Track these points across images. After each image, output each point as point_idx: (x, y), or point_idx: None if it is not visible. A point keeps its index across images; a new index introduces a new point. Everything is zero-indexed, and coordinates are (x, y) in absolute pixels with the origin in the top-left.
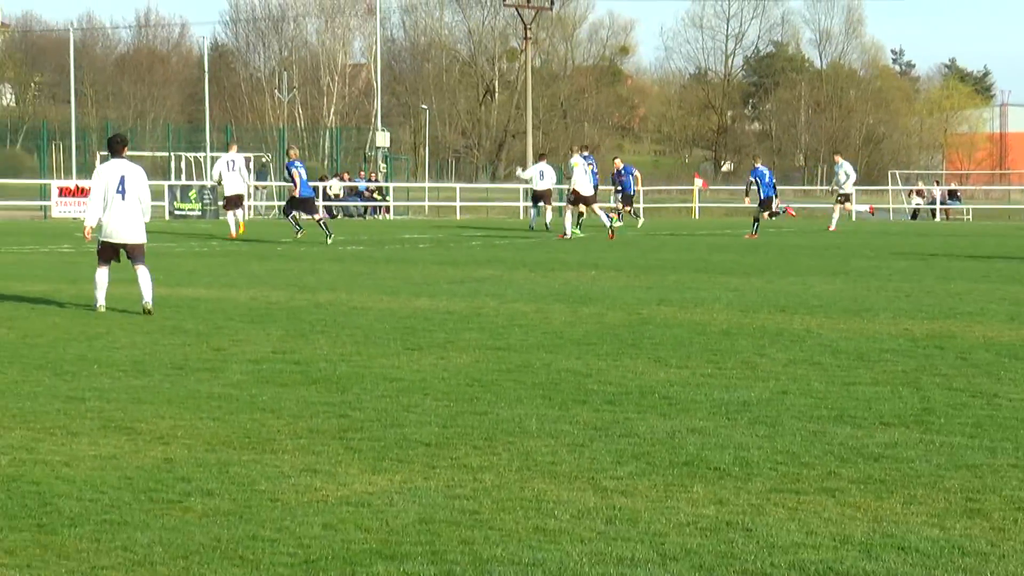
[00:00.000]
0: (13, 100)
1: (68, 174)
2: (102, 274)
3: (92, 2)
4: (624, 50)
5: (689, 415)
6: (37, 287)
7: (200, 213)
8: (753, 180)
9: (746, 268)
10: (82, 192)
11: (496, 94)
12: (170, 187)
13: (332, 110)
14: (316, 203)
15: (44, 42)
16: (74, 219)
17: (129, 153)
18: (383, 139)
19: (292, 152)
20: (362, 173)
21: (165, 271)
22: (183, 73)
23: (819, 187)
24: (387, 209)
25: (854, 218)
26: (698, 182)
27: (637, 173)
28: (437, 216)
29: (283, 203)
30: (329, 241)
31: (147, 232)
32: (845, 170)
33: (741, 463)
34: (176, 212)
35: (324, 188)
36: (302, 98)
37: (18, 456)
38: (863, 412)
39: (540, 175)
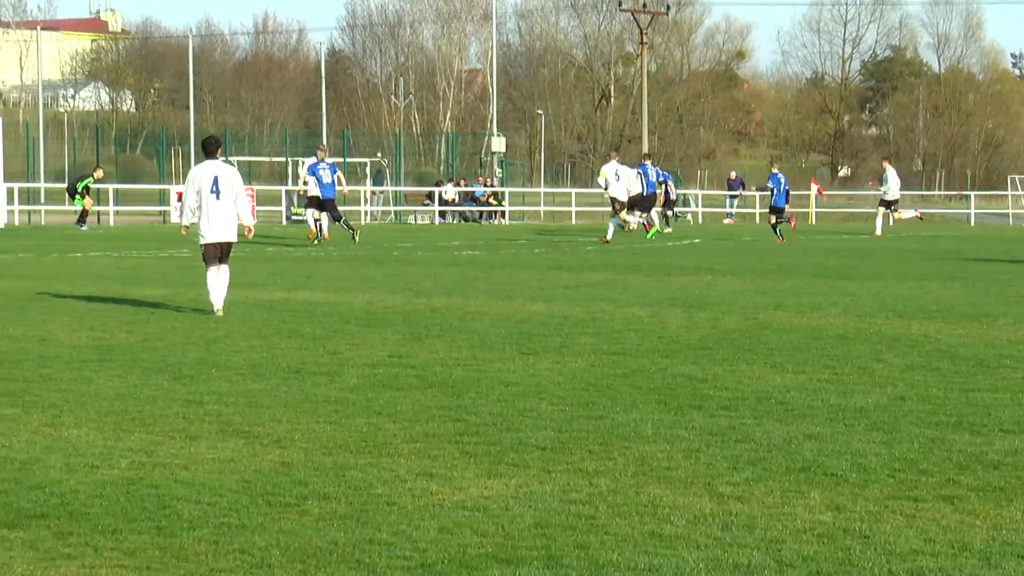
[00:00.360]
0: (133, 106)
1: (179, 178)
2: (211, 277)
3: (211, 9)
4: (740, 54)
5: (806, 421)
6: (156, 291)
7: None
8: (770, 186)
9: (862, 272)
10: None
11: (612, 99)
12: (287, 192)
13: (448, 115)
14: (336, 205)
15: (164, 49)
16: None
17: (247, 158)
18: (499, 144)
19: (319, 153)
20: (479, 178)
21: (282, 275)
22: (300, 79)
23: (937, 192)
24: (502, 214)
25: (890, 222)
26: (814, 187)
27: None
28: (552, 221)
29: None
30: (356, 239)
31: (264, 236)
32: (890, 176)
33: (858, 469)
34: (293, 217)
35: (440, 193)
36: (418, 103)
37: (137, 459)
38: (982, 419)
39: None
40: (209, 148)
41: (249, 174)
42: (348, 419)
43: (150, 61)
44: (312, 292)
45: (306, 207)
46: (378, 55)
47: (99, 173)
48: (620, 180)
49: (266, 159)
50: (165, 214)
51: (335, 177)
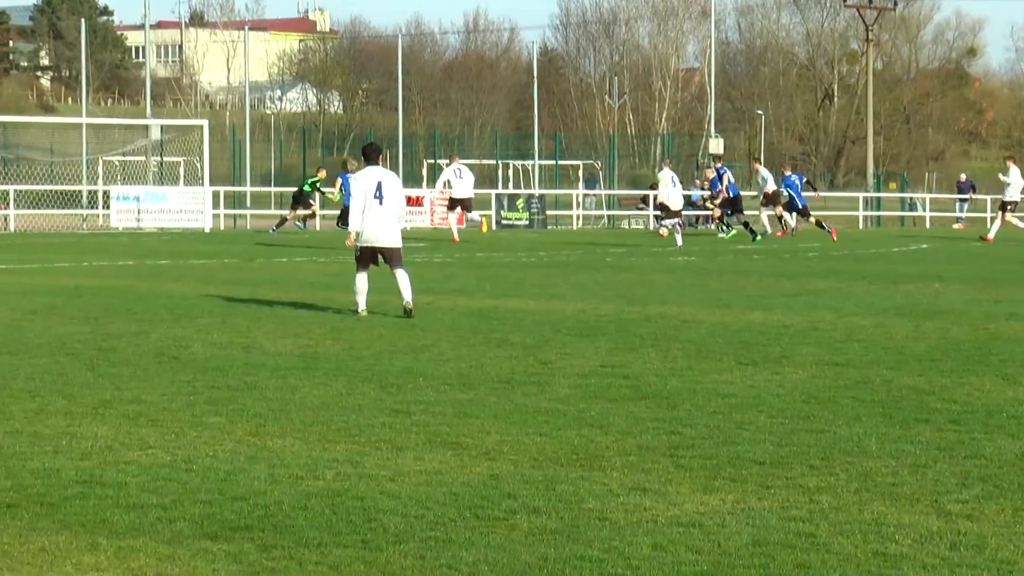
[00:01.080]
0: (341, 107)
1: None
2: (362, 279)
3: (421, 7)
4: (972, 51)
5: None
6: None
7: (528, 222)
8: (785, 191)
9: None
10: (410, 201)
11: (835, 99)
12: (497, 196)
13: (664, 116)
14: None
15: (372, 49)
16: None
17: (459, 161)
18: (716, 146)
19: (349, 164)
20: (696, 181)
21: (492, 281)
22: (512, 79)
23: None
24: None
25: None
26: None
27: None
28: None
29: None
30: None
31: (469, 242)
32: (1013, 176)
33: None
34: (503, 221)
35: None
36: (633, 104)
37: (343, 470)
38: None
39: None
40: (370, 154)
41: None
42: (559, 431)
43: (358, 61)
44: (522, 299)
45: (448, 207)
46: (592, 54)
47: (322, 174)
48: (676, 187)
49: (476, 162)
50: None
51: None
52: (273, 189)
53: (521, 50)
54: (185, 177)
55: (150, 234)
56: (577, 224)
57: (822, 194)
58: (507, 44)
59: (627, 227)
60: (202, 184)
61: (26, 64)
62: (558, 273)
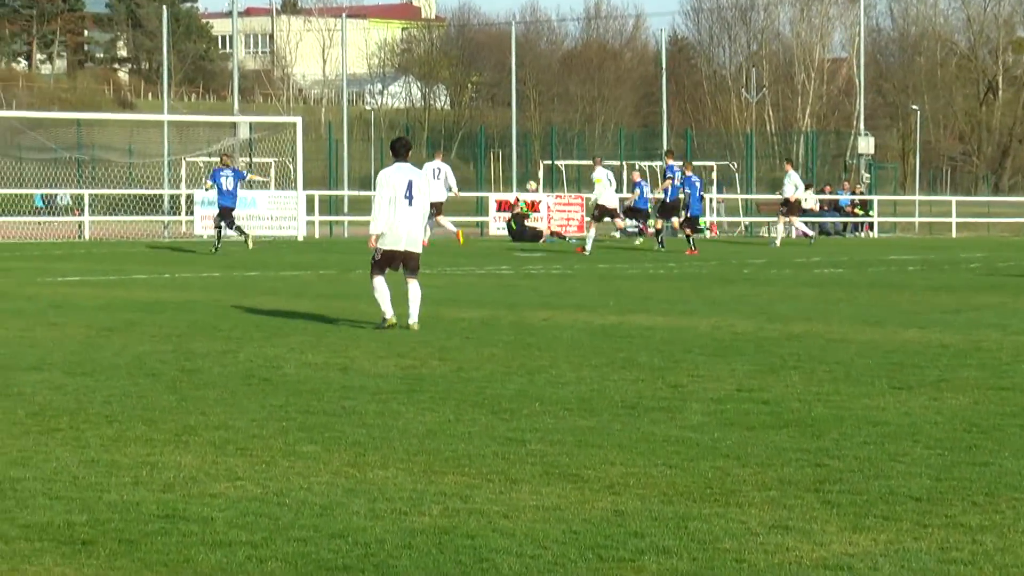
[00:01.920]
0: (448, 103)
1: (507, 186)
2: (382, 284)
3: None
4: None
5: None
6: (472, 313)
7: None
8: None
9: None
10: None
11: (999, 92)
12: (621, 200)
13: (807, 112)
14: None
15: (483, 38)
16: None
17: (576, 162)
18: (866, 145)
19: (225, 160)
20: (846, 184)
21: (616, 295)
22: (637, 71)
23: None
24: (870, 226)
25: None
26: None
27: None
28: (928, 234)
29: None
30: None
31: (592, 251)
32: None
33: None
34: (628, 229)
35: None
36: (772, 98)
37: (451, 505)
38: None
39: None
40: (401, 150)
41: (578, 180)
42: (690, 462)
43: (467, 52)
44: (649, 315)
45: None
46: (727, 43)
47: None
48: (612, 185)
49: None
50: (483, 225)
51: (239, 184)
52: (373, 193)
53: (648, 39)
54: (276, 180)
55: (237, 243)
56: (711, 232)
57: (985, 199)
58: (632, 32)
59: (766, 235)
60: (295, 188)
61: (102, 56)
62: (689, 286)
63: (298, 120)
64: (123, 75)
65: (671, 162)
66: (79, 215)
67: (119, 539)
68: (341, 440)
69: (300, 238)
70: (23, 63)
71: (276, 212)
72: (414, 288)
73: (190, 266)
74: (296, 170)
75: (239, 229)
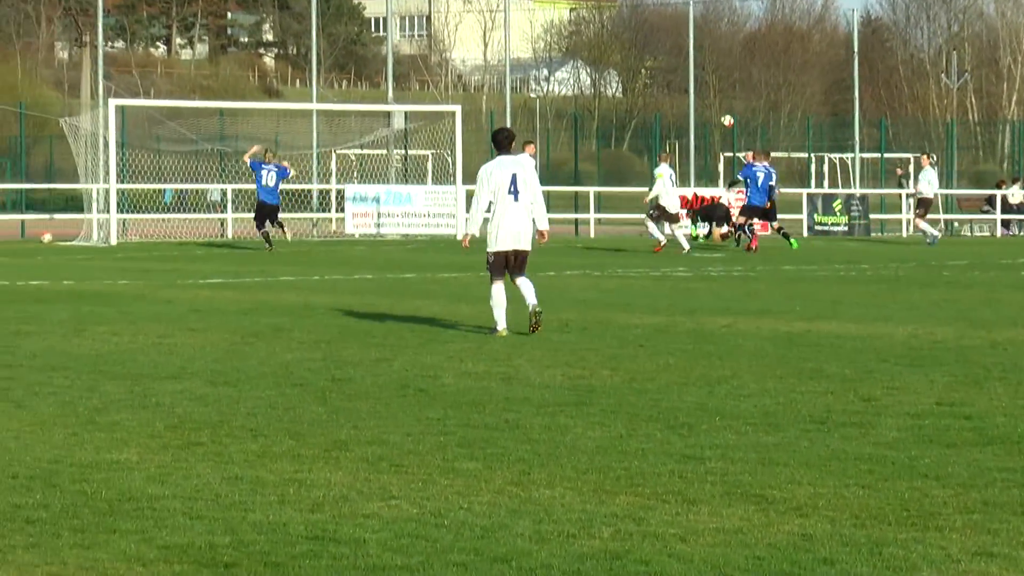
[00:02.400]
0: (619, 90)
1: (685, 180)
2: (499, 290)
3: None
4: None
5: None
6: (646, 319)
7: (846, 228)
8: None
9: None
10: (701, 204)
11: None
12: (809, 196)
13: (1013, 99)
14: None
15: (658, 19)
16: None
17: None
18: None
19: (255, 149)
20: None
21: (803, 300)
22: (827, 55)
23: None
24: None
25: None
26: None
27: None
28: None
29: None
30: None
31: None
32: None
33: None
34: (816, 227)
35: (1003, 197)
36: (975, 84)
37: (623, 527)
38: None
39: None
40: (502, 142)
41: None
42: (885, 482)
43: (641, 34)
44: (840, 322)
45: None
46: (925, 24)
47: None
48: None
49: (783, 154)
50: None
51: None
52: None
53: (838, 19)
54: (434, 174)
55: (392, 242)
56: (907, 231)
57: None
58: (821, 12)
59: (969, 234)
60: (453, 182)
61: (246, 40)
62: (884, 290)
63: (457, 109)
64: (269, 61)
65: (756, 162)
66: (221, 212)
67: (264, 562)
68: (504, 456)
69: (459, 237)
70: (161, 48)
71: (433, 209)
72: (525, 283)
73: (341, 267)
74: (455, 163)
75: (280, 224)
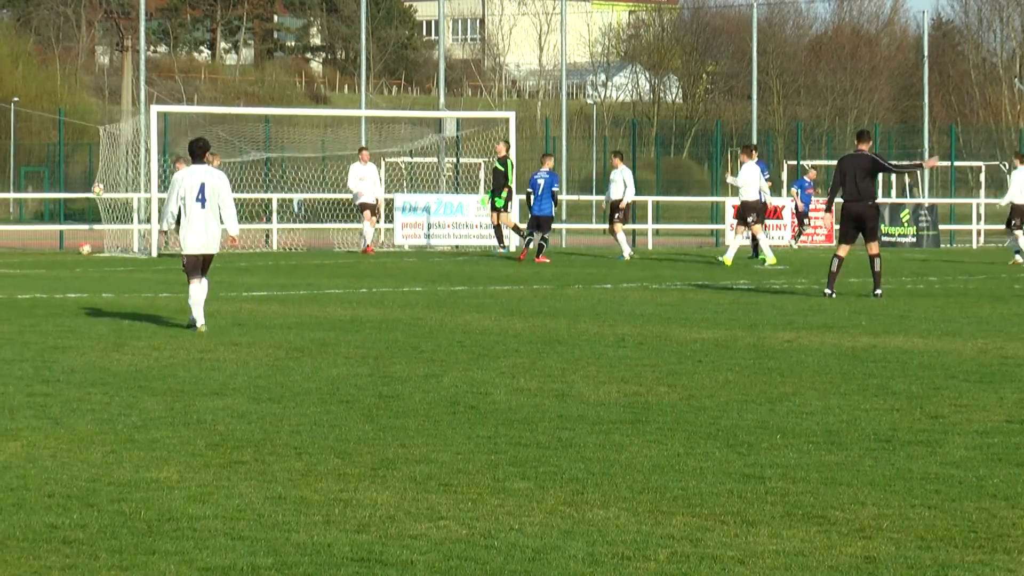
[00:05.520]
0: (680, 96)
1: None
2: (195, 289)
3: None
4: None
5: None
6: (706, 333)
7: (915, 239)
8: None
9: None
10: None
11: None
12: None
13: None
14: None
15: (720, 22)
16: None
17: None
18: None
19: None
20: None
21: (868, 314)
22: (895, 59)
23: None
24: None
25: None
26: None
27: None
28: None
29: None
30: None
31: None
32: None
33: None
34: (883, 238)
35: None
36: None
37: (680, 549)
38: None
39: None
40: (197, 151)
41: (826, 183)
42: (952, 502)
43: (702, 38)
44: (907, 337)
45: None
46: (998, 26)
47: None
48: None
49: None
50: (718, 234)
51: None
52: (595, 197)
53: (908, 22)
54: (486, 183)
55: (443, 253)
56: (978, 242)
57: None
58: (890, 15)
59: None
60: None
61: (294, 44)
62: (953, 304)
63: (511, 115)
64: (316, 66)
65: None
66: (266, 223)
67: None
68: (557, 476)
69: (512, 248)
70: (206, 53)
71: (485, 219)
72: (204, 286)
73: (389, 279)
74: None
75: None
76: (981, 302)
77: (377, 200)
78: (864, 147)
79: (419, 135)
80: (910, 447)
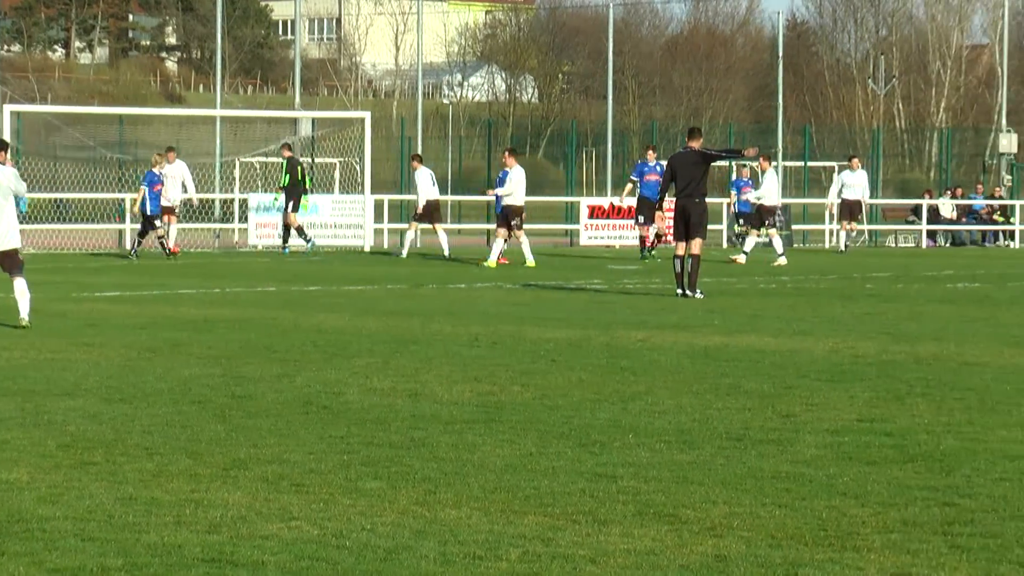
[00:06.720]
0: (535, 95)
1: (601, 189)
2: (15, 285)
3: None
4: None
5: None
6: (559, 332)
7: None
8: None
9: None
10: (618, 213)
11: None
12: (728, 205)
13: (942, 105)
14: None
15: (576, 22)
16: (607, 247)
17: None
18: (1009, 143)
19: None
20: (980, 187)
21: (721, 313)
22: (750, 59)
23: None
24: (1011, 234)
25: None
26: None
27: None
28: None
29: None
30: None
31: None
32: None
33: None
34: (737, 238)
35: (932, 208)
36: (903, 90)
37: (532, 549)
38: None
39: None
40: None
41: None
42: (803, 501)
43: (559, 38)
44: (759, 336)
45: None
46: (852, 28)
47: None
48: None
49: None
50: (572, 233)
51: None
52: (451, 198)
53: (763, 23)
54: (341, 183)
55: (297, 253)
56: (831, 241)
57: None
58: (745, 16)
59: (894, 245)
60: (362, 192)
61: (148, 44)
62: (805, 303)
63: (367, 115)
64: (171, 65)
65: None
66: (119, 223)
67: None
68: (409, 475)
69: (367, 248)
70: (60, 52)
71: (341, 219)
72: (21, 286)
73: (243, 279)
74: (364, 172)
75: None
76: (833, 301)
77: (192, 201)
78: (695, 144)
79: (275, 135)
80: (761, 446)
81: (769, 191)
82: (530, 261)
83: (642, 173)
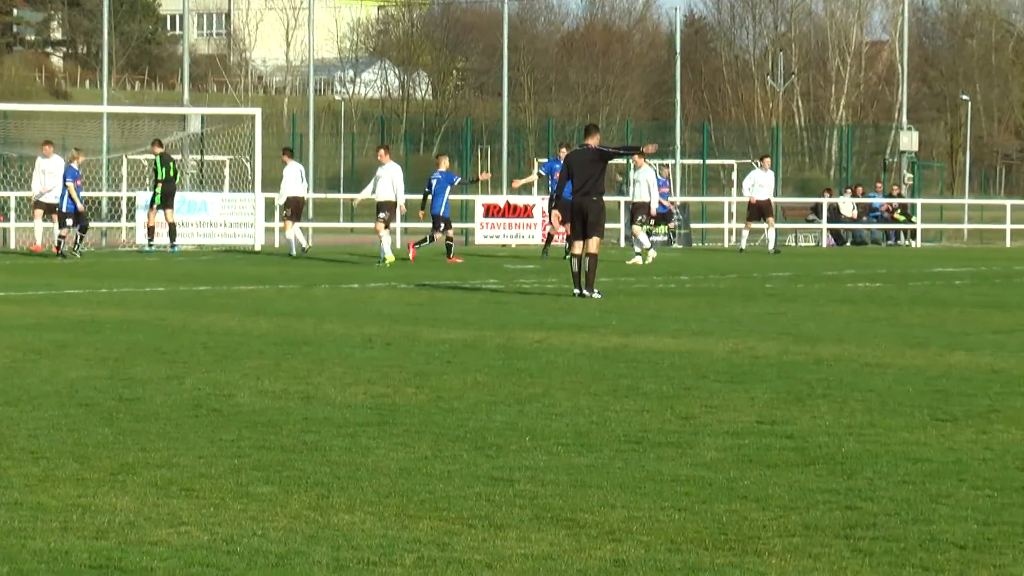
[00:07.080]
0: (430, 92)
1: (496, 187)
2: None
3: None
4: None
5: None
6: (455, 333)
7: (666, 239)
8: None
9: None
10: (514, 212)
11: None
12: (626, 204)
13: (842, 102)
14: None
15: (471, 18)
16: (503, 246)
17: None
18: (909, 140)
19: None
20: (879, 186)
21: (619, 313)
22: (648, 56)
23: None
24: (912, 233)
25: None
26: None
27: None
28: (980, 243)
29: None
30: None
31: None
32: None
33: None
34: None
35: (832, 206)
36: (802, 87)
37: (427, 553)
38: None
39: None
40: None
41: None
42: (703, 504)
43: (453, 34)
44: (657, 336)
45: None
46: (751, 24)
47: None
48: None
49: None
50: (467, 232)
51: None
52: (343, 196)
53: (660, 19)
54: (231, 181)
55: (186, 253)
56: (730, 240)
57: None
58: (642, 12)
59: (794, 244)
60: (252, 190)
61: (33, 38)
62: (704, 303)
63: (257, 112)
64: (57, 60)
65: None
66: (4, 222)
67: None
68: (302, 480)
69: (258, 247)
70: None
71: (230, 218)
72: None
73: (131, 280)
74: (254, 169)
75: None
76: (732, 302)
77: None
78: (592, 141)
79: (163, 132)
80: (660, 448)
81: (642, 189)
82: (389, 256)
83: (552, 171)
